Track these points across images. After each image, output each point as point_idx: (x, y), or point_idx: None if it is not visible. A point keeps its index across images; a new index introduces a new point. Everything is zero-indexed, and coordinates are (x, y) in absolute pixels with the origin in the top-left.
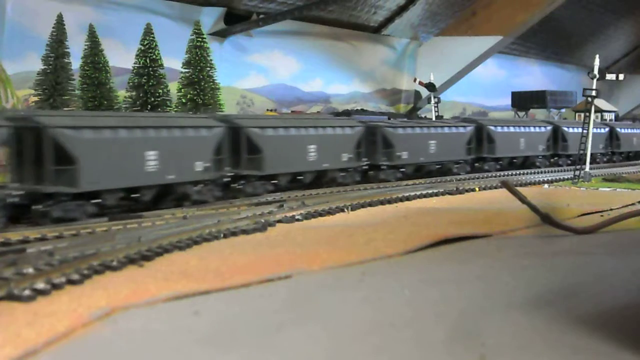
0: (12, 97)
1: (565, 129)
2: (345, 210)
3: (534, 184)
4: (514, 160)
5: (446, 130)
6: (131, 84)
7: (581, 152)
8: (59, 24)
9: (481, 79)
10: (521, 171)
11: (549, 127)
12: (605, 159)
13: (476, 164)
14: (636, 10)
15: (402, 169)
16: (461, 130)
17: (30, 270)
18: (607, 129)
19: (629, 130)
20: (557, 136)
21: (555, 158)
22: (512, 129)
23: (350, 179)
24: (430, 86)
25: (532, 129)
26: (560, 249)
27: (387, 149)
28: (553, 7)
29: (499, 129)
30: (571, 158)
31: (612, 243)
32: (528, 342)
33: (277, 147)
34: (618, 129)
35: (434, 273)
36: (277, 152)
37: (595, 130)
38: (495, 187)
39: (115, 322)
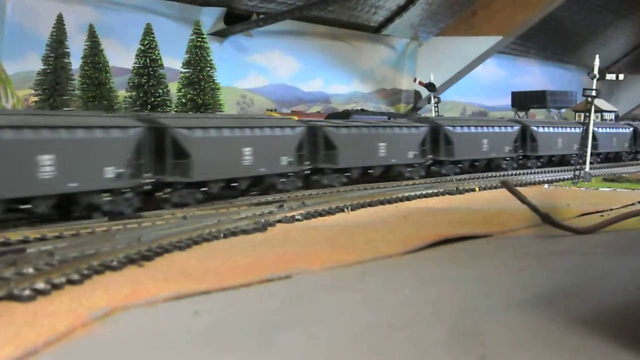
0: (12, 97)
1: (450, 129)
2: (345, 210)
3: (534, 184)
4: (370, 171)
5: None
6: (131, 84)
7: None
8: (59, 24)
9: (481, 79)
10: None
11: (424, 128)
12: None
13: (313, 177)
14: (636, 10)
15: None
16: (288, 132)
17: (30, 270)
18: (517, 127)
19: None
20: (437, 138)
21: (437, 166)
22: (365, 131)
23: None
24: (430, 86)
25: (400, 131)
26: (560, 249)
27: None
28: (553, 7)
29: (342, 130)
30: (460, 165)
31: (612, 243)
32: (528, 342)
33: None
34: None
35: (433, 273)
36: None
37: (503, 129)
38: (495, 187)
39: (115, 322)
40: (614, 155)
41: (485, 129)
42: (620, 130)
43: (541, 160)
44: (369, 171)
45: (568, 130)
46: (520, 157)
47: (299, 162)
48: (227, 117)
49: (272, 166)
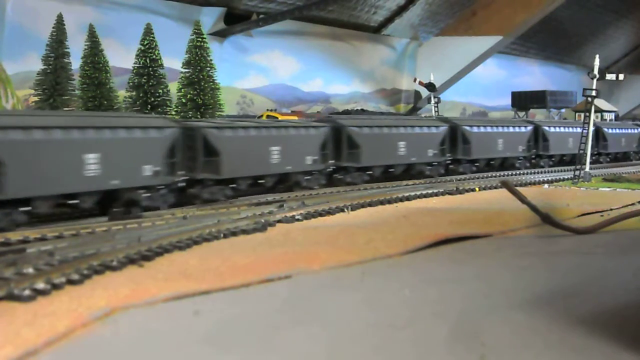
0: (12, 97)
1: (355, 129)
2: (345, 210)
3: (534, 184)
4: (261, 181)
5: None
6: (131, 84)
7: (581, 151)
8: (59, 24)
9: (481, 79)
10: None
11: (324, 129)
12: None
13: (190, 190)
14: (636, 10)
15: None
16: (154, 134)
17: (30, 270)
18: (444, 127)
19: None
20: (340, 140)
21: (341, 173)
22: (253, 133)
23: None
24: (430, 86)
25: (297, 132)
26: (560, 249)
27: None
28: (553, 7)
29: (226, 132)
30: (369, 172)
31: (612, 243)
32: (528, 342)
33: None
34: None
35: (433, 273)
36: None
37: (427, 130)
38: (495, 187)
39: (115, 322)
40: (501, 161)
41: (402, 130)
42: (514, 129)
43: (477, 164)
44: (260, 181)
45: (511, 130)
46: (449, 161)
47: (170, 172)
48: (65, 115)
49: (131, 178)
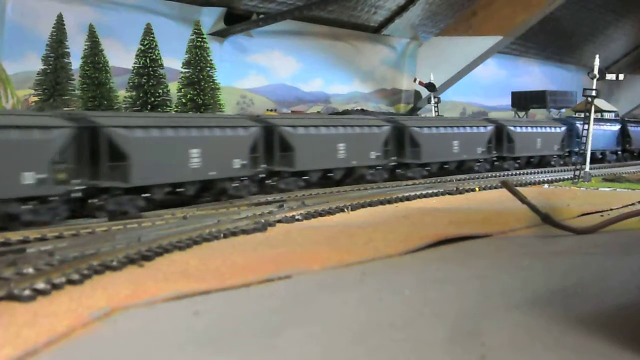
0: (12, 97)
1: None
2: (345, 210)
3: (534, 184)
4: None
5: None
6: (131, 84)
7: (581, 151)
8: (59, 24)
9: (481, 79)
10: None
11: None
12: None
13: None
14: (636, 10)
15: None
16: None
17: (30, 270)
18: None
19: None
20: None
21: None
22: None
23: None
24: (430, 86)
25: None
26: (560, 249)
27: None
28: (553, 7)
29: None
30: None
31: (612, 243)
32: (528, 342)
33: None
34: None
35: (433, 273)
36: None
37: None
38: (496, 187)
39: (115, 322)
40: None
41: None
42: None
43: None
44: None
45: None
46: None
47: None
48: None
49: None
